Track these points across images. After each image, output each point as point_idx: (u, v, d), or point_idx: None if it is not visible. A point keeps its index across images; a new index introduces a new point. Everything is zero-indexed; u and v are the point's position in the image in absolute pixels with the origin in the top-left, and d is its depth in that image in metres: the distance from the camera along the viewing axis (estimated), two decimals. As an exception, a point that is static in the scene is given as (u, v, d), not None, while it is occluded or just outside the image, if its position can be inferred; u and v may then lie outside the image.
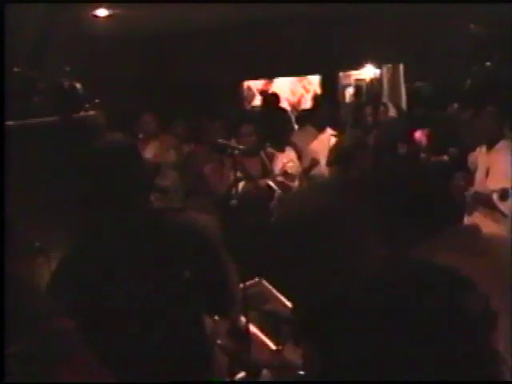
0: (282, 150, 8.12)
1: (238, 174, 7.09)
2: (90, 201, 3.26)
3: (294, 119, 11.51)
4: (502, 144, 6.35)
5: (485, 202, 6.17)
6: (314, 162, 8.16)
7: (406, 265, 2.37)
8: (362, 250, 3.72)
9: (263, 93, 13.72)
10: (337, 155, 5.08)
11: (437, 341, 2.06)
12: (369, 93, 13.24)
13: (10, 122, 4.02)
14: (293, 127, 10.71)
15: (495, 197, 6.09)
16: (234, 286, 3.47)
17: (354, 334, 2.12)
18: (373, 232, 3.06)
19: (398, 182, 2.83)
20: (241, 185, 7.04)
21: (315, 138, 8.75)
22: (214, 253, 3.32)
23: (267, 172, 7.73)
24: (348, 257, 3.98)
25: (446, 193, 2.87)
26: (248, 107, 14.13)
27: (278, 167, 7.85)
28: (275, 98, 11.88)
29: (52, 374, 2.21)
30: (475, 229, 2.98)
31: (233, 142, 6.88)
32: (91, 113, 4.28)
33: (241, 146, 6.10)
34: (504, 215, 6.08)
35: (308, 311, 2.45)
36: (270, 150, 8.03)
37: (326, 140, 8.44)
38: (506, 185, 5.98)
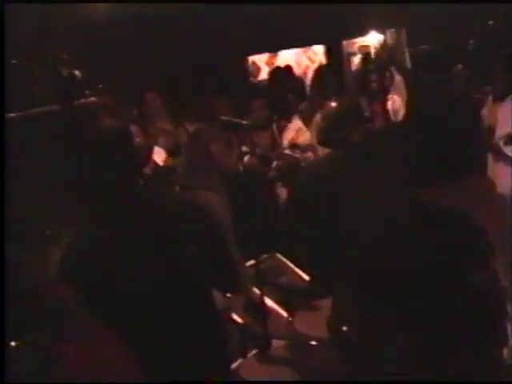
0: (289, 120, 8.12)
1: (245, 149, 7.13)
2: (91, 186, 3.33)
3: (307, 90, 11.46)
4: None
5: (492, 149, 6.41)
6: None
7: (418, 206, 2.40)
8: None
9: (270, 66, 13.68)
10: (331, 125, 5.09)
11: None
12: (374, 59, 13.17)
13: (11, 114, 4.07)
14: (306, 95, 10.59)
15: (501, 143, 6.32)
16: (237, 262, 3.51)
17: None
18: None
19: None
20: (245, 159, 7.07)
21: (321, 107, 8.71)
22: (214, 229, 3.37)
23: (276, 145, 7.75)
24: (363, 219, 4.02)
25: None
26: (254, 81, 14.09)
27: (287, 139, 7.86)
28: (287, 70, 11.84)
29: (54, 347, 2.24)
30: (490, 184, 3.03)
31: (238, 118, 6.90)
32: (92, 99, 4.32)
33: (244, 122, 6.12)
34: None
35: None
36: (282, 122, 8.04)
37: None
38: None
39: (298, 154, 7.55)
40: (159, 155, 7.01)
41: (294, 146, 7.72)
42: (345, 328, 2.54)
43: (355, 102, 5.58)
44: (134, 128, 5.94)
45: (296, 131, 7.96)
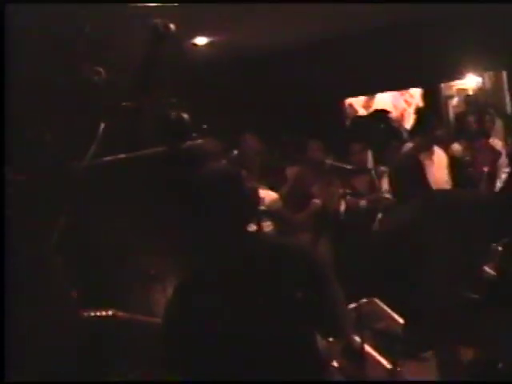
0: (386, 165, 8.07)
1: (346, 191, 7.12)
2: (198, 227, 3.35)
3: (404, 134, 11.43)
4: None
5: None
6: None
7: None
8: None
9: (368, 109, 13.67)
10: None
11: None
12: (472, 102, 13.01)
13: (121, 155, 4.16)
14: (403, 141, 10.54)
15: None
16: (342, 307, 3.48)
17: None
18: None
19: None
20: (347, 199, 7.07)
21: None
22: (322, 275, 3.35)
23: (375, 189, 7.71)
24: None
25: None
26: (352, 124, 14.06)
27: (386, 184, 7.80)
28: (383, 113, 11.83)
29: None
30: None
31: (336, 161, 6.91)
32: (198, 141, 4.37)
33: (348, 167, 6.13)
34: None
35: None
36: (382, 167, 8.00)
37: (438, 154, 8.35)
38: None
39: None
40: (269, 197, 7.00)
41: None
42: None
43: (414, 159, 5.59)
44: (244, 172, 5.97)
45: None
